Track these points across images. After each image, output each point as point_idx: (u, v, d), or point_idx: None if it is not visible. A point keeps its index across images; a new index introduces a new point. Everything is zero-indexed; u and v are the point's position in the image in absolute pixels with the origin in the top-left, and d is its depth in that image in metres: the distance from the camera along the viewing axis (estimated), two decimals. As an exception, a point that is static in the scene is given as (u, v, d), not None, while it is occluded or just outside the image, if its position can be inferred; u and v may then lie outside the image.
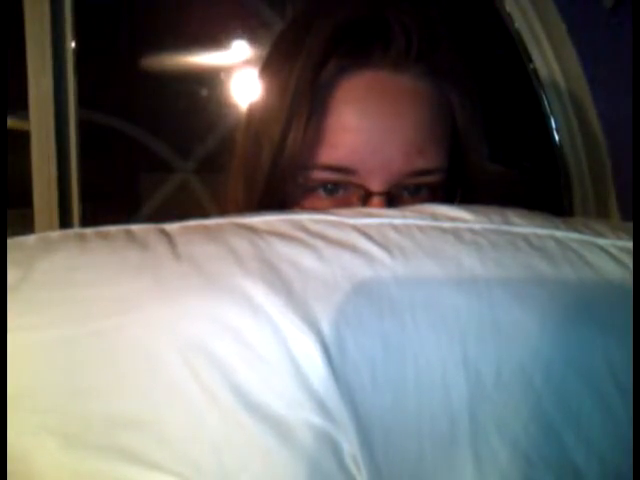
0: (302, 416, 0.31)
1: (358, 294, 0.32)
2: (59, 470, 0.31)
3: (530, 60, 0.98)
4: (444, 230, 0.36)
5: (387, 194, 0.48)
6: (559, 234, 0.36)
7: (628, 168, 0.87)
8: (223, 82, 1.16)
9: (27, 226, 1.04)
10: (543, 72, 0.97)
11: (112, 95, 1.24)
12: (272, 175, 0.49)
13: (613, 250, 0.35)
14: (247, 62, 1.13)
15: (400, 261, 0.34)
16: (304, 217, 0.37)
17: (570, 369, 0.31)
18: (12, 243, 0.36)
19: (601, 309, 0.33)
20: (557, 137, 0.99)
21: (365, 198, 0.48)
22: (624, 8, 0.83)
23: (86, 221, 1.08)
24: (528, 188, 1.06)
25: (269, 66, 0.53)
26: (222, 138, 1.14)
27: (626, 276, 0.34)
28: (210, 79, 1.17)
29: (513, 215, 0.38)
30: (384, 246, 0.34)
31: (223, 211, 0.54)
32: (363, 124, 0.48)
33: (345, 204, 0.49)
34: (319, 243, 0.35)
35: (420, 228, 0.36)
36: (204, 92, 1.20)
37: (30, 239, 0.37)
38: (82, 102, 1.05)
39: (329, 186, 0.49)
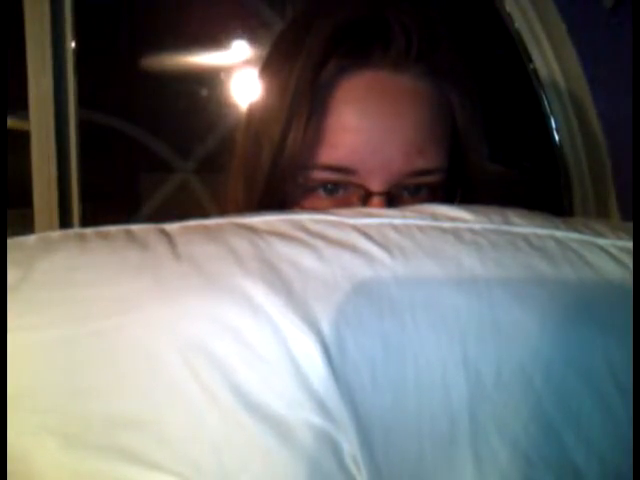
0: (302, 416, 0.31)
1: (358, 294, 0.32)
2: (59, 470, 0.31)
3: (530, 60, 0.98)
4: (444, 230, 0.36)
5: (387, 194, 0.48)
6: (559, 234, 0.36)
7: (628, 168, 0.87)
8: (223, 82, 1.16)
9: (27, 226, 1.04)
10: (543, 72, 0.97)
11: (112, 95, 1.24)
12: (272, 175, 0.49)
13: (613, 250, 0.35)
14: (247, 62, 1.13)
15: (400, 261, 0.34)
16: (304, 217, 0.37)
17: (570, 369, 0.31)
18: (12, 243, 0.36)
19: (601, 309, 0.33)
20: (557, 137, 0.99)
21: (365, 198, 0.48)
22: (624, 8, 0.83)
23: (86, 221, 1.08)
24: (528, 188, 1.06)
25: (269, 66, 0.53)
26: (222, 138, 1.14)
27: (626, 276, 0.34)
28: (210, 79, 1.17)
29: (513, 215, 0.38)
30: (384, 246, 0.34)
31: (223, 211, 0.54)
32: (363, 124, 0.48)
33: (345, 204, 0.49)
34: (319, 243, 0.35)
35: (420, 228, 0.36)
36: (204, 92, 1.20)
37: (30, 239, 0.37)
38: (82, 102, 1.05)
39: (329, 186, 0.49)
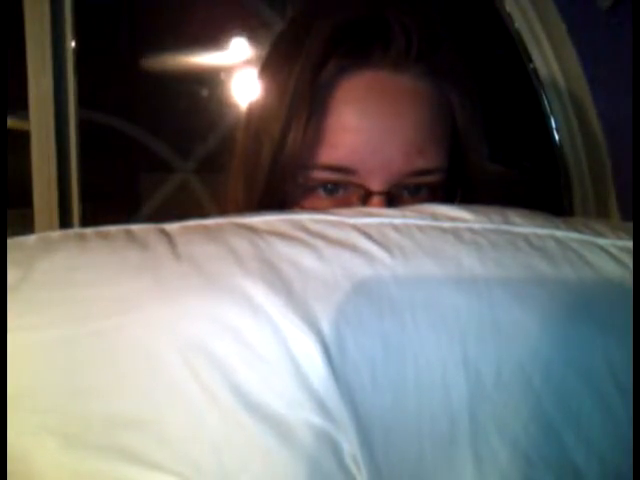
0: (302, 416, 0.31)
1: (358, 294, 0.32)
2: (59, 470, 0.31)
3: (530, 60, 0.98)
4: (444, 230, 0.36)
5: (387, 194, 0.48)
6: (559, 234, 0.36)
7: (628, 168, 0.87)
8: (223, 82, 1.16)
9: (27, 226, 1.04)
10: (543, 72, 0.97)
11: (112, 95, 1.24)
12: (272, 175, 0.49)
13: (613, 250, 0.35)
14: (247, 62, 1.13)
15: (400, 261, 0.34)
16: (304, 217, 0.37)
17: (570, 369, 0.31)
18: (12, 243, 0.36)
19: (601, 309, 0.33)
20: (557, 137, 0.99)
21: (365, 198, 0.48)
22: (624, 8, 0.83)
23: (86, 221, 1.08)
24: (528, 188, 1.06)
25: (269, 66, 0.53)
26: (222, 138, 1.15)
27: (626, 276, 0.34)
28: (210, 79, 1.17)
29: (513, 215, 0.38)
30: (384, 246, 0.34)
31: (223, 211, 0.54)
32: (363, 124, 0.48)
33: (345, 204, 0.49)
34: (319, 243, 0.35)
35: (420, 228, 0.36)
36: (204, 92, 1.20)
37: (30, 239, 0.37)
38: (82, 102, 1.05)
39: (329, 186, 0.49)
